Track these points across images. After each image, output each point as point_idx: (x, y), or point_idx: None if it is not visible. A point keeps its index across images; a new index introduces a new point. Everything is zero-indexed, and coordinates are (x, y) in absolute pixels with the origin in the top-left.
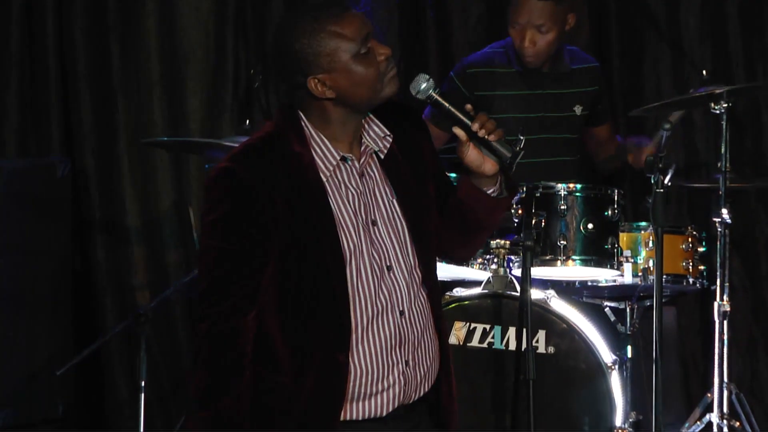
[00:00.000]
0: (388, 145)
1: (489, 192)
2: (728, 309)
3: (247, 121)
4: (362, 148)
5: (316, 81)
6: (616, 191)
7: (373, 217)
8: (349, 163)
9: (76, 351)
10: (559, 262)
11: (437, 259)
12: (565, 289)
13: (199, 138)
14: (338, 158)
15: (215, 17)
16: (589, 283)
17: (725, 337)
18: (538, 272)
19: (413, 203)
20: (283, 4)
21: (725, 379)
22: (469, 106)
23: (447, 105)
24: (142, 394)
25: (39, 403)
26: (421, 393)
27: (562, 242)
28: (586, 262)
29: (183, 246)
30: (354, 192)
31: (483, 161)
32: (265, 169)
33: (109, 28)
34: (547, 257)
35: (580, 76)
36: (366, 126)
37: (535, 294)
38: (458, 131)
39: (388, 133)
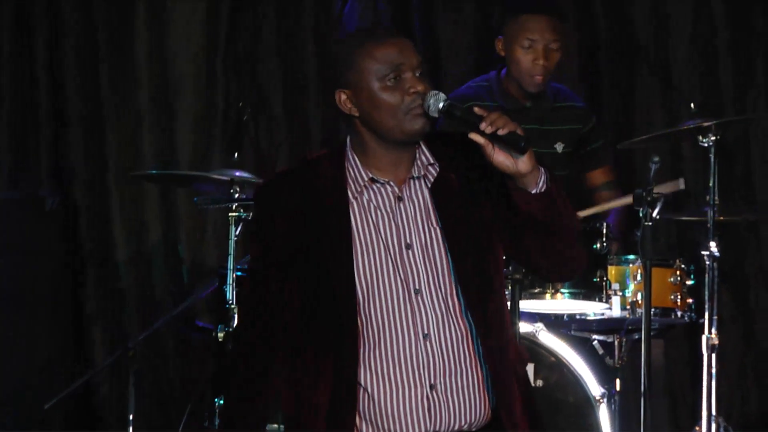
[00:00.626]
0: (435, 173)
1: (533, 191)
2: (717, 342)
3: (236, 154)
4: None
5: (343, 95)
6: (604, 224)
7: (408, 241)
8: (385, 186)
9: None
10: (547, 295)
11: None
12: (554, 322)
13: (188, 171)
14: (366, 179)
15: (206, 47)
16: (578, 317)
17: (713, 370)
18: (526, 305)
19: (462, 233)
20: (273, 37)
21: (713, 412)
22: (477, 109)
23: (459, 113)
24: (131, 428)
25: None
26: (462, 424)
27: None
28: (574, 296)
29: (171, 278)
30: (385, 214)
31: (514, 160)
32: (288, 192)
33: (100, 59)
34: (536, 290)
35: (562, 113)
36: (417, 154)
37: (524, 327)
38: (475, 137)
39: (433, 161)
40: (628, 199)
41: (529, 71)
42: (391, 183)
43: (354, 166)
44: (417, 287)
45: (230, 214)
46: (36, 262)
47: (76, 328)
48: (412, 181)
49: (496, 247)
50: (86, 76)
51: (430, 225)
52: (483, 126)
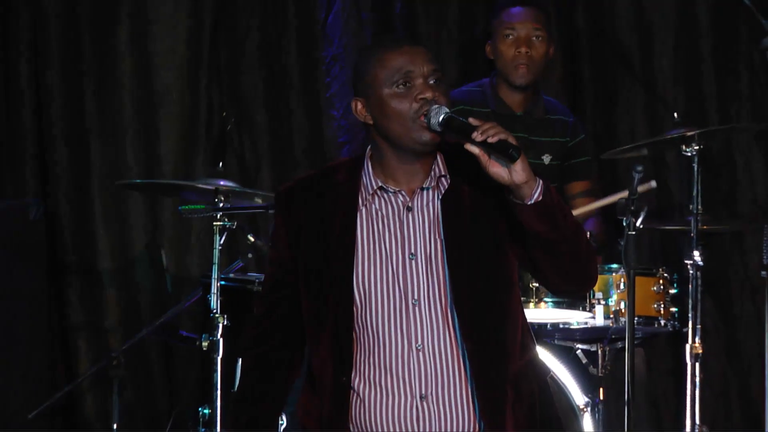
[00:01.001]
0: (446, 185)
1: (528, 202)
2: (700, 351)
3: (220, 164)
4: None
5: (358, 104)
6: (588, 233)
7: (412, 251)
8: (396, 195)
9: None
10: (531, 304)
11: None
12: (537, 331)
13: (172, 180)
14: (375, 187)
15: (189, 59)
16: (561, 326)
17: (697, 379)
18: None
19: (464, 245)
20: (257, 48)
21: (697, 421)
22: (472, 120)
23: (456, 124)
24: None
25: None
26: None
27: (534, 284)
28: (558, 304)
29: (155, 287)
30: (392, 223)
31: (508, 171)
32: (301, 198)
33: (84, 70)
34: None
35: (551, 125)
36: (433, 165)
37: None
38: (470, 147)
39: (444, 173)
40: (606, 201)
41: (513, 60)
42: (403, 192)
43: (367, 174)
44: (416, 298)
45: (214, 223)
46: (20, 272)
47: (60, 337)
48: (423, 192)
49: (504, 261)
50: (70, 87)
51: (436, 236)
52: (474, 135)
